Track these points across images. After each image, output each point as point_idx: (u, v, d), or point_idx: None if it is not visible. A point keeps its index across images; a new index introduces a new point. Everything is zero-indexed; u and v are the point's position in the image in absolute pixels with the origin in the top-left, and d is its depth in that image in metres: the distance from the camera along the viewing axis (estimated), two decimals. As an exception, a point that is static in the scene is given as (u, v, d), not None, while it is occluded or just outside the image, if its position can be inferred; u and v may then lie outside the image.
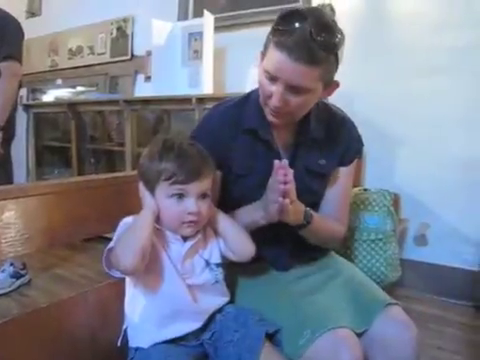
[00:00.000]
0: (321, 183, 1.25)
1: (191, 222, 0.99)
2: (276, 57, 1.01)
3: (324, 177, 1.25)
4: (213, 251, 1.07)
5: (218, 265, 1.07)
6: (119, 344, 1.04)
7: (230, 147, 1.18)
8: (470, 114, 2.35)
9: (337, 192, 1.28)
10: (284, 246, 1.22)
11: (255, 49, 2.95)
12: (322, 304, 1.09)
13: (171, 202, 0.98)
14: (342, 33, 1.02)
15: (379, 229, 1.84)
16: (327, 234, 1.25)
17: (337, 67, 1.06)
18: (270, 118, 1.13)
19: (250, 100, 1.21)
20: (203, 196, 1.00)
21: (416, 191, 2.52)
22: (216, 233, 1.09)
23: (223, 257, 1.08)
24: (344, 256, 1.42)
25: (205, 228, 1.07)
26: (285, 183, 0.99)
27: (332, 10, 1.08)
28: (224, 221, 1.08)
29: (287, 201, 1.01)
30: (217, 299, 1.08)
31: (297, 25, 0.97)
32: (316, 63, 1.00)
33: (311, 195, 1.21)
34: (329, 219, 1.25)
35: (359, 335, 1.04)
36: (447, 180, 2.42)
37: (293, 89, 1.03)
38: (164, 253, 1.00)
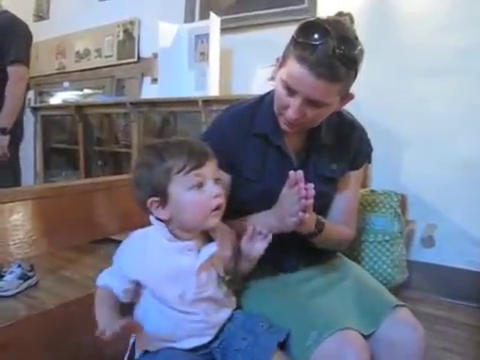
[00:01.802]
0: (332, 187, 1.25)
1: (217, 208, 0.95)
2: (297, 71, 1.00)
3: (335, 181, 1.24)
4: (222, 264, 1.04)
5: (225, 276, 1.04)
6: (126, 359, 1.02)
7: (241, 150, 1.17)
8: (476, 115, 2.34)
9: (346, 196, 1.28)
10: (290, 249, 1.21)
11: (261, 51, 2.95)
12: (329, 306, 1.08)
13: (192, 194, 0.92)
14: (362, 46, 1.01)
15: (386, 231, 1.84)
16: (336, 239, 1.25)
17: (355, 80, 1.06)
18: (283, 127, 1.13)
19: (263, 104, 1.20)
20: (216, 180, 0.96)
21: (423, 192, 2.52)
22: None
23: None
24: (351, 258, 1.42)
25: (222, 239, 1.03)
26: (306, 198, 0.98)
27: (351, 20, 1.08)
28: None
29: (307, 215, 1.00)
30: (228, 310, 1.06)
31: (320, 40, 0.96)
32: (337, 80, 0.99)
33: (322, 199, 1.20)
34: (338, 224, 1.24)
35: (366, 337, 1.03)
36: (454, 181, 2.41)
37: (311, 103, 1.03)
38: (175, 268, 0.96)
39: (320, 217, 1.14)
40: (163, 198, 0.93)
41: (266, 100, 1.20)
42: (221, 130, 1.19)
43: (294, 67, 1.00)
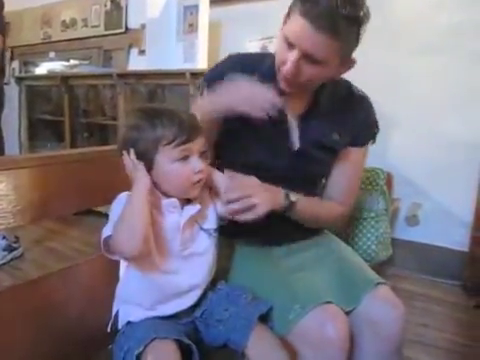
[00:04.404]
0: (331, 157, 1.23)
1: (199, 181, 0.97)
2: (298, 24, 0.99)
3: (335, 152, 1.23)
4: (210, 217, 1.06)
5: (215, 230, 1.06)
6: (109, 330, 1.02)
7: None
8: (463, 94, 2.34)
9: (346, 174, 1.26)
10: (276, 223, 1.18)
11: (250, 24, 2.89)
12: (312, 280, 1.09)
13: (177, 166, 0.95)
14: (368, 10, 1.01)
15: (371, 208, 1.85)
16: (321, 217, 1.24)
17: (357, 45, 1.05)
18: (281, 85, 1.11)
19: (264, 63, 1.17)
20: (202, 153, 0.98)
21: (409, 171, 2.53)
22: (212, 191, 1.07)
23: (220, 220, 1.07)
24: (335, 234, 1.43)
25: (201, 194, 1.04)
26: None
27: None
28: (218, 175, 1.07)
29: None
30: (210, 273, 1.07)
31: None
32: (337, 35, 0.98)
33: (318, 167, 1.20)
34: (324, 201, 1.24)
35: (347, 313, 1.04)
36: (439, 161, 2.43)
37: (309, 58, 1.01)
38: (160, 225, 0.97)
39: (287, 192, 1.12)
40: (148, 164, 0.95)
41: (267, 60, 1.17)
42: (222, 72, 1.16)
43: (296, 21, 0.99)
